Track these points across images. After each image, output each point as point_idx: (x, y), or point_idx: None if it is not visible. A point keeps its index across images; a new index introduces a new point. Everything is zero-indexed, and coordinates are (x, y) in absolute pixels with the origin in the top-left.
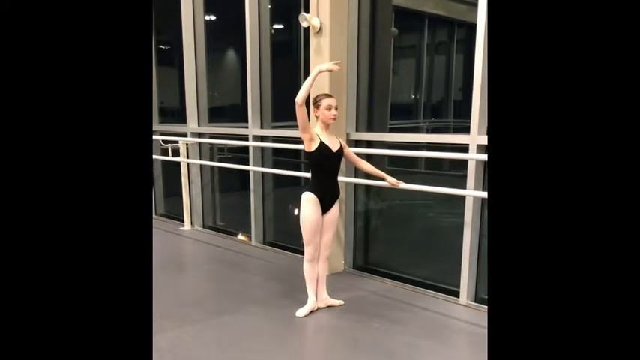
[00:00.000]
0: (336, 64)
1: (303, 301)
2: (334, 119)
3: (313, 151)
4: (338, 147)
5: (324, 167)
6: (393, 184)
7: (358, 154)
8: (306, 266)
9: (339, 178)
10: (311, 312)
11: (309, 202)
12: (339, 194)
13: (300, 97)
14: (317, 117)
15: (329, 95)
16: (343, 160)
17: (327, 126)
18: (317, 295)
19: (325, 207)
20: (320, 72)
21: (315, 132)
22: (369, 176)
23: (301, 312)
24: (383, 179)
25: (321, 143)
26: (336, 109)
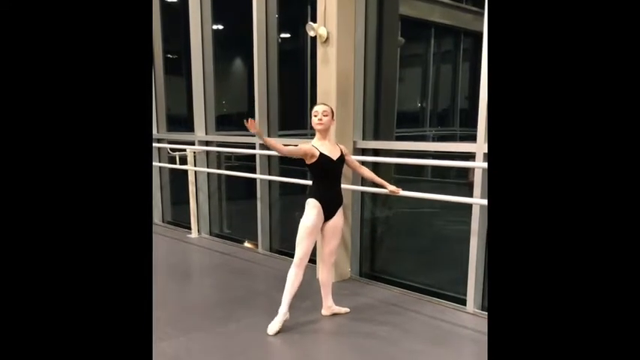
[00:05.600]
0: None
1: (309, 309)
2: (319, 124)
3: (313, 163)
4: (339, 154)
5: (325, 176)
6: (392, 192)
7: (365, 163)
8: (292, 272)
9: (344, 186)
10: (283, 326)
11: (311, 206)
12: (342, 201)
13: (279, 153)
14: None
15: (319, 103)
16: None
17: (323, 135)
18: (322, 303)
19: (328, 214)
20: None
21: (313, 145)
22: (374, 184)
23: (272, 328)
24: (383, 186)
25: (321, 155)
26: (324, 114)
